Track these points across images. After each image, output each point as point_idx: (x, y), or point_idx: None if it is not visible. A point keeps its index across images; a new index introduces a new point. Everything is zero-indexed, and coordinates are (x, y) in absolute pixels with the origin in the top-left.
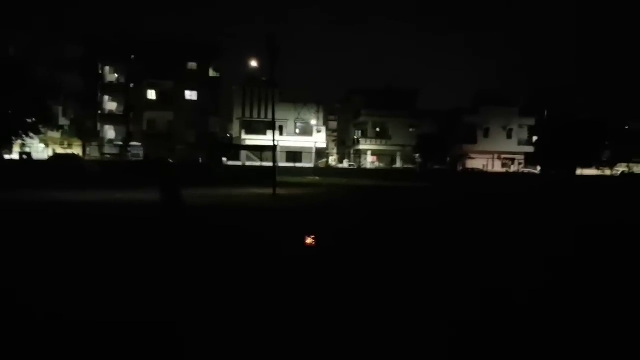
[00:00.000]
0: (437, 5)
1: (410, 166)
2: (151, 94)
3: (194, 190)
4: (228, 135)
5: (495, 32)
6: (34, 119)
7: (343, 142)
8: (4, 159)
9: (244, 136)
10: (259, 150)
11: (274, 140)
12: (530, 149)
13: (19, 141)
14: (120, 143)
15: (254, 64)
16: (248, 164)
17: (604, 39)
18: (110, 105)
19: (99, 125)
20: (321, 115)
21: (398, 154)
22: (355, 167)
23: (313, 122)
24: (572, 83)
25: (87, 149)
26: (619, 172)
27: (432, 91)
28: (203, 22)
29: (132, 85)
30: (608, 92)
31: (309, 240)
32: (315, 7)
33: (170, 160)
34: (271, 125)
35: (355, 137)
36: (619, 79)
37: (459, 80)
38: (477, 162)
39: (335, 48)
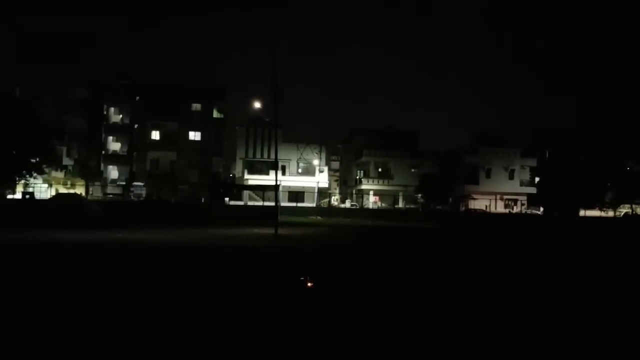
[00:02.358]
0: (432, 48)
1: (412, 206)
2: (155, 135)
3: (195, 230)
4: (231, 175)
5: (491, 75)
6: (37, 159)
7: (345, 182)
8: (6, 198)
9: (246, 176)
10: (261, 189)
11: (276, 180)
12: (532, 190)
13: (23, 181)
14: (123, 183)
15: (257, 105)
16: (250, 203)
17: (604, 77)
18: (114, 145)
19: (102, 165)
20: (323, 155)
21: (400, 194)
22: (358, 207)
23: (315, 162)
24: (572, 123)
25: (90, 189)
26: (622, 214)
27: (432, 132)
28: (205, 64)
29: (136, 125)
30: (608, 132)
31: (309, 284)
32: (315, 49)
33: None
34: (274, 165)
35: (358, 177)
36: (619, 119)
37: (457, 122)
38: (479, 203)
39: (336, 91)
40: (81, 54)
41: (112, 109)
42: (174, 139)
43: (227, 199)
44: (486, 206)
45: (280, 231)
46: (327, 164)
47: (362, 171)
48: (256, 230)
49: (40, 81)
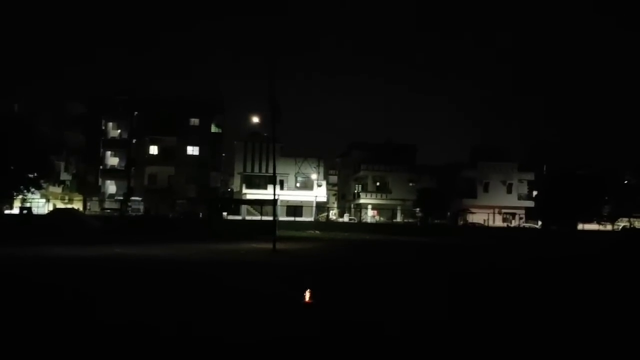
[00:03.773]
0: (431, 62)
1: (410, 220)
2: (153, 149)
3: (193, 245)
4: (229, 189)
5: (487, 85)
6: (35, 174)
7: (343, 196)
8: (4, 214)
9: (244, 190)
10: (259, 204)
11: (274, 194)
12: (530, 204)
13: (20, 196)
14: (121, 198)
15: (255, 120)
16: (248, 218)
17: (602, 91)
18: (112, 160)
19: (100, 180)
20: (321, 169)
21: (398, 208)
22: (356, 221)
23: (313, 176)
24: (570, 135)
25: (88, 204)
26: (620, 227)
27: (429, 146)
28: (203, 80)
29: (134, 140)
30: (606, 145)
31: (307, 298)
32: (313, 64)
33: None
34: (272, 180)
35: (356, 191)
36: (617, 132)
37: (455, 136)
38: (477, 217)
39: (332, 106)
40: (80, 69)
41: (110, 124)
42: (172, 154)
43: (225, 213)
44: (484, 220)
45: (278, 246)
46: (325, 178)
47: (360, 185)
48: (254, 245)
49: (39, 96)
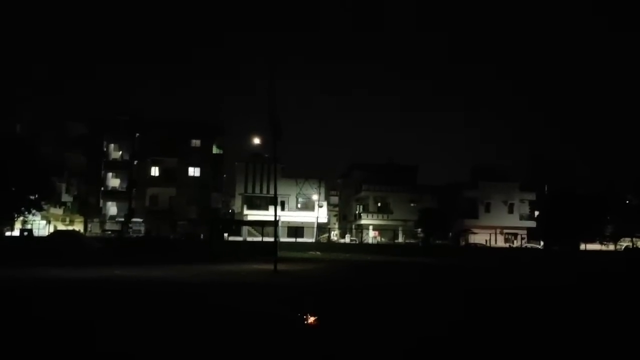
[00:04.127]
0: (432, 80)
1: (412, 241)
2: (154, 171)
3: (194, 266)
4: (230, 210)
5: (488, 104)
6: (36, 196)
7: (344, 216)
8: (4, 235)
9: (246, 211)
10: (260, 225)
11: (275, 215)
12: (532, 224)
13: (21, 218)
14: (122, 219)
15: (256, 141)
16: (249, 239)
17: (602, 110)
18: (114, 181)
19: (101, 201)
20: (323, 190)
21: (400, 228)
22: (357, 242)
23: (315, 197)
24: (571, 155)
25: (89, 226)
26: (623, 247)
27: (431, 165)
28: (207, 101)
29: (135, 162)
30: (606, 165)
31: (311, 320)
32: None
33: None
34: (273, 201)
35: (357, 212)
36: (617, 151)
37: (454, 156)
38: (479, 237)
39: (334, 125)
40: (81, 90)
41: (112, 145)
42: (173, 175)
43: (226, 234)
44: (486, 240)
45: (280, 267)
46: (327, 199)
47: (361, 206)
48: (255, 266)
49: (41, 117)
